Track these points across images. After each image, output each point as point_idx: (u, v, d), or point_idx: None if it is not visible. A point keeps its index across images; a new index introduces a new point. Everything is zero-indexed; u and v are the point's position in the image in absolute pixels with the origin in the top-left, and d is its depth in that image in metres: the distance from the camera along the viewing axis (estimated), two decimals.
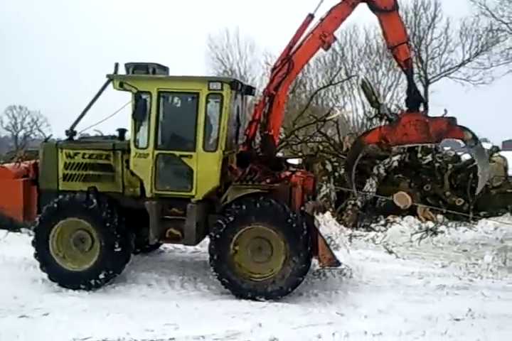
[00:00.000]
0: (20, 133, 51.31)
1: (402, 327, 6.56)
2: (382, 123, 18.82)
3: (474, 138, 8.55)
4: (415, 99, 8.66)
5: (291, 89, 14.10)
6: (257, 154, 8.59)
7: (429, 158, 14.23)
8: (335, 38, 8.63)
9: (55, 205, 7.91)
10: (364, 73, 27.93)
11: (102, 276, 7.84)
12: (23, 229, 11.50)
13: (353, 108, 27.55)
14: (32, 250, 8.05)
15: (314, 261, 8.01)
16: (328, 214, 12.42)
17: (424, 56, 27.90)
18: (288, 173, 8.45)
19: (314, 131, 15.59)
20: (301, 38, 8.55)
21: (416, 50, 26.63)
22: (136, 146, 7.90)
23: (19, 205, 8.36)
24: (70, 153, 8.25)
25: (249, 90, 9.07)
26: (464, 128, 8.52)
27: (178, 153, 7.84)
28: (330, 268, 8.31)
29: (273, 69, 8.65)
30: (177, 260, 9.71)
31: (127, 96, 7.94)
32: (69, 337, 6.06)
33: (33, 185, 8.43)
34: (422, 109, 8.64)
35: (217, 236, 7.64)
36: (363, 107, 26.31)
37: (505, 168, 13.86)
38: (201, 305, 7.34)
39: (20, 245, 10.46)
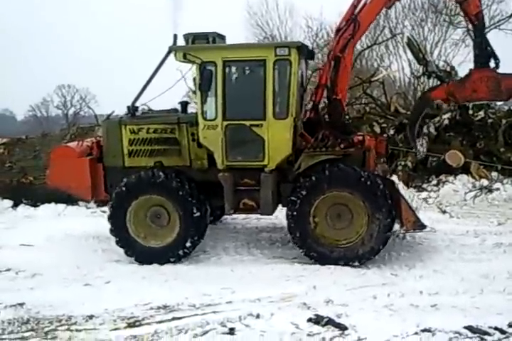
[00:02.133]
0: (71, 111, 52.53)
1: (458, 286, 6.49)
2: (431, 81, 18.34)
3: None
4: (486, 55, 8.15)
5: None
6: (325, 119, 8.36)
7: (482, 114, 13.74)
8: None
9: (124, 188, 7.89)
10: (409, 30, 26.83)
11: (188, 244, 7.82)
12: (80, 203, 11.96)
13: (399, 67, 26.63)
14: (93, 223, 8.24)
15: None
16: None
17: None
18: (360, 137, 8.23)
19: (360, 93, 15.25)
20: None
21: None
22: (204, 118, 7.79)
23: (86, 184, 8.37)
24: (133, 128, 8.18)
25: (311, 54, 8.78)
26: None
27: (248, 123, 7.67)
28: (414, 232, 8.11)
29: (337, 31, 8.31)
30: (229, 227, 9.89)
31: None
32: (131, 302, 6.28)
33: (98, 162, 8.43)
34: (492, 65, 8.14)
35: (294, 212, 7.52)
36: (410, 66, 25.38)
37: None
38: (255, 269, 7.47)
39: (79, 218, 10.96)
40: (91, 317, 5.95)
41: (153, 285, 6.96)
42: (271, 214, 8.09)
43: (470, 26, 26.21)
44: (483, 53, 8.17)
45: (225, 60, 7.64)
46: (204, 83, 7.64)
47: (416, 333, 5.26)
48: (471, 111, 13.94)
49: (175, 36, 7.99)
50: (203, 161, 8.05)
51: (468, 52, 25.20)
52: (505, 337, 5.14)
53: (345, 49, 8.09)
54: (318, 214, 7.56)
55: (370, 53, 25.81)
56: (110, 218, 7.99)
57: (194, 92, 11.32)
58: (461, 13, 25.81)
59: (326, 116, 8.43)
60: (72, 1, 77.02)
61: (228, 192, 7.78)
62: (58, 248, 8.66)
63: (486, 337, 5.17)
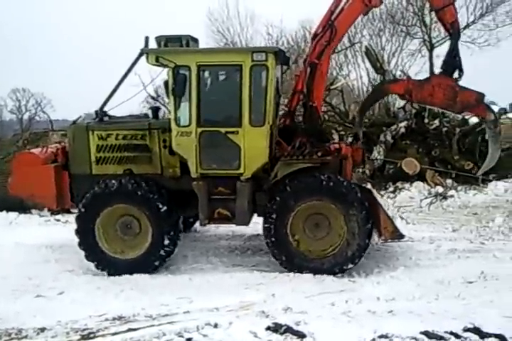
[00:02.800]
0: (25, 116, 51.20)
1: (414, 291, 6.56)
2: None
3: (495, 120, 8.30)
4: (453, 65, 8.23)
5: (293, 60, 13.82)
6: (301, 127, 8.21)
7: (437, 122, 14.12)
8: (381, 1, 8.06)
9: (91, 197, 7.54)
10: (367, 40, 27.40)
11: (162, 255, 7.57)
12: (33, 211, 11.63)
13: (358, 76, 27.14)
14: (46, 232, 7.91)
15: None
16: None
17: (427, 20, 27.27)
18: (337, 145, 8.13)
19: None
20: (343, 2, 8.05)
21: (419, 14, 26.05)
22: (178, 124, 7.52)
23: (52, 192, 7.96)
24: (102, 134, 7.83)
25: (287, 60, 8.61)
26: (489, 109, 8.28)
27: (223, 130, 7.45)
28: (393, 241, 8.04)
29: (314, 37, 8.18)
30: (188, 235, 9.77)
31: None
32: (85, 314, 6.10)
33: (64, 170, 8.03)
34: (456, 76, 8.20)
35: (271, 220, 7.37)
36: (368, 74, 25.90)
37: None
38: (214, 277, 7.38)
39: (31, 226, 10.63)
40: (43, 329, 5.75)
41: (109, 295, 6.79)
42: (247, 224, 7.84)
43: (426, 37, 26.89)
44: (451, 62, 8.23)
45: (200, 65, 7.43)
46: (178, 88, 7.40)
47: (373, 339, 5.29)
48: (426, 120, 14.31)
49: (146, 38, 7.73)
50: (175, 169, 7.80)
51: (424, 62, 25.98)
52: None
53: (321, 55, 7.98)
54: (296, 231, 7.42)
55: (329, 62, 26.16)
56: (78, 230, 7.60)
57: (153, 98, 11.22)
58: (418, 24, 26.51)
59: (302, 124, 8.31)
60: (28, 2, 75.52)
61: (202, 201, 7.56)
62: (9, 258, 8.33)
63: None
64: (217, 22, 31.24)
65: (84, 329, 5.75)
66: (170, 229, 7.58)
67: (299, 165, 7.48)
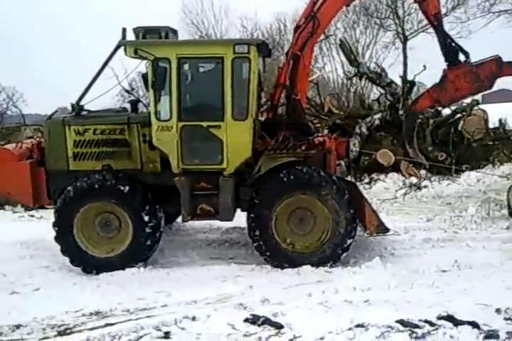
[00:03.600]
0: None
1: (390, 281, 6.65)
2: (363, 82, 18.75)
3: None
4: (454, 51, 8.16)
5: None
6: (285, 120, 8.10)
7: None
8: None
9: (70, 193, 7.34)
10: (342, 32, 27.53)
11: (143, 254, 7.45)
12: (6, 207, 11.45)
13: (333, 68, 27.29)
14: (20, 228, 7.77)
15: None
16: None
17: (400, 12, 27.49)
18: (321, 138, 8.02)
19: None
20: None
21: (393, 6, 26.22)
22: (158, 119, 7.33)
23: (27, 189, 7.74)
24: (79, 129, 7.59)
25: (269, 52, 8.45)
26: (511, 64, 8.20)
27: (205, 124, 7.30)
28: (378, 235, 7.97)
29: (296, 29, 8.03)
30: (165, 228, 9.71)
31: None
32: (61, 310, 6.05)
33: (40, 166, 7.80)
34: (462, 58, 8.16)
35: (255, 214, 7.29)
36: (342, 67, 26.05)
37: (486, 121, 13.92)
38: (191, 271, 7.38)
39: (5, 223, 10.46)
40: (18, 326, 5.68)
41: (85, 291, 6.75)
42: (231, 220, 7.74)
43: (400, 29, 27.07)
44: (450, 50, 8.17)
45: (180, 57, 7.24)
46: (157, 81, 7.18)
47: (350, 329, 5.34)
48: (401, 112, 14.42)
49: (124, 30, 7.48)
50: (156, 164, 7.62)
51: (398, 54, 26.24)
52: (434, 329, 5.30)
53: (304, 47, 7.85)
54: (281, 226, 7.34)
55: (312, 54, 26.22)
56: (55, 225, 7.42)
57: (127, 92, 11.06)
58: (391, 17, 26.63)
59: (285, 117, 8.20)
60: None
61: (185, 197, 7.39)
62: None
63: (416, 330, 5.30)
64: (192, 14, 31.09)
65: (61, 325, 5.70)
66: (151, 226, 7.42)
67: (283, 159, 7.40)
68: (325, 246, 7.32)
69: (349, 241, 7.33)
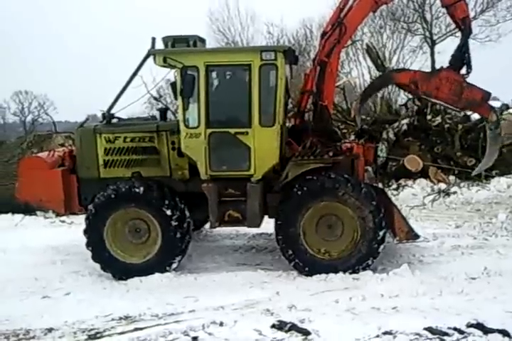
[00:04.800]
0: (28, 118, 51.35)
1: (418, 288, 6.59)
2: (390, 87, 18.54)
3: (497, 122, 8.26)
4: (462, 60, 8.11)
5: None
6: (312, 127, 8.04)
7: (439, 119, 14.11)
8: None
9: (101, 200, 7.44)
10: (368, 37, 27.41)
11: (171, 260, 7.47)
12: (38, 213, 11.69)
13: (359, 73, 27.13)
14: (51, 234, 7.88)
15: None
16: None
17: (428, 16, 27.26)
18: (349, 145, 7.98)
19: None
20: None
21: (420, 10, 26.02)
22: (187, 126, 7.40)
23: (59, 197, 7.84)
24: (109, 137, 7.74)
25: (296, 59, 8.40)
26: (493, 109, 8.25)
27: (232, 131, 7.34)
28: (407, 242, 7.86)
29: (322, 35, 8.07)
30: (194, 234, 9.80)
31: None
32: (91, 314, 6.16)
33: (71, 174, 7.93)
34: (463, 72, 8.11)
35: (282, 221, 7.29)
36: (369, 72, 25.88)
37: None
38: (219, 276, 7.43)
39: (36, 228, 10.70)
40: (50, 330, 5.81)
41: (115, 295, 6.85)
42: (258, 226, 7.72)
43: (427, 33, 26.84)
44: (460, 57, 8.13)
45: (208, 65, 7.33)
46: (186, 89, 7.27)
47: (377, 336, 5.31)
48: (428, 117, 14.31)
49: (153, 39, 7.63)
50: (184, 171, 7.70)
51: (426, 59, 26.02)
52: (463, 337, 5.23)
53: (331, 54, 7.87)
54: (309, 233, 7.29)
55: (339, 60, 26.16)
56: (86, 232, 7.53)
57: (156, 99, 11.23)
58: (419, 21, 26.44)
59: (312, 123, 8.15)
60: (27, 4, 75.60)
61: (213, 203, 7.43)
62: (15, 260, 8.40)
63: (445, 337, 5.24)
64: (218, 21, 31.34)
65: (91, 329, 5.80)
66: (180, 233, 7.48)
67: (311, 166, 7.37)
68: (352, 254, 7.25)
69: (381, 233, 7.20)
